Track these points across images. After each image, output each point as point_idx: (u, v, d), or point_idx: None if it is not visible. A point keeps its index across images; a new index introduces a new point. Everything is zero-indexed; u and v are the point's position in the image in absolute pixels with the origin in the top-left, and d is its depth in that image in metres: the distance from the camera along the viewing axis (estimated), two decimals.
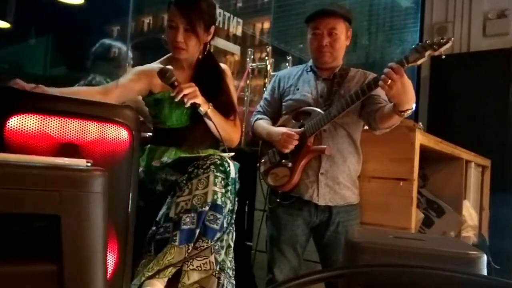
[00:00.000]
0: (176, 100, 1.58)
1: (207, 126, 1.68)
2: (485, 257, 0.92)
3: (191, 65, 1.76)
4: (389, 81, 1.49)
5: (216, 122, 1.62)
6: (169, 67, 1.59)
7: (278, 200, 1.87)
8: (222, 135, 1.62)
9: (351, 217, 1.83)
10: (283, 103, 1.96)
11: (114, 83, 1.68)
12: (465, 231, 2.61)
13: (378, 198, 1.91)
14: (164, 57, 1.80)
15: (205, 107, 1.61)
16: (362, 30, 5.20)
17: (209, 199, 1.40)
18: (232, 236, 1.53)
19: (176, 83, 1.57)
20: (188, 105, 1.57)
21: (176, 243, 1.36)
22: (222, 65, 1.84)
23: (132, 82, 1.67)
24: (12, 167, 0.79)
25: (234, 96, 1.83)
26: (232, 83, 1.84)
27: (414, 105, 1.59)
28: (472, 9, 3.87)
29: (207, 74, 1.75)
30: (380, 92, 1.69)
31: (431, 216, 2.47)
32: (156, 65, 1.74)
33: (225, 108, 1.73)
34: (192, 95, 1.57)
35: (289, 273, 1.86)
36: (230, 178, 1.47)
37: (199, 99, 1.59)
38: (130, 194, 1.21)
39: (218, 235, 1.42)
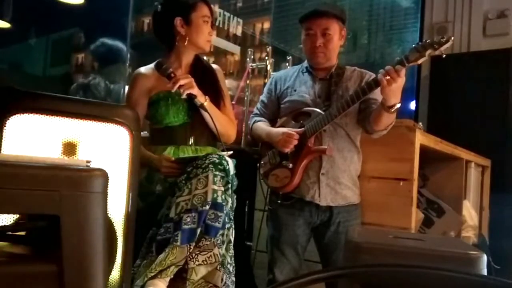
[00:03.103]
0: (173, 90, 1.63)
1: (205, 123, 1.73)
2: (485, 257, 0.92)
3: (188, 64, 1.81)
4: (389, 77, 1.52)
5: (212, 114, 1.66)
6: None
7: (279, 201, 1.87)
8: (219, 128, 1.66)
9: (351, 217, 1.83)
10: (281, 105, 1.96)
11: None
12: (465, 231, 2.61)
13: (378, 198, 1.91)
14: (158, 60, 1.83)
15: (201, 99, 1.65)
16: (362, 30, 5.20)
17: (209, 198, 1.41)
18: (232, 232, 1.53)
19: (172, 75, 1.63)
20: (184, 95, 1.62)
21: (178, 243, 1.36)
22: (214, 66, 1.91)
23: (144, 96, 1.76)
24: (12, 167, 0.79)
25: (226, 92, 1.88)
26: (223, 82, 1.91)
27: (399, 100, 1.61)
28: (472, 9, 3.87)
29: (201, 72, 1.80)
30: (378, 96, 1.70)
31: (431, 216, 2.47)
32: (150, 66, 1.80)
33: (216, 99, 1.78)
34: (188, 85, 1.62)
35: (290, 273, 1.86)
36: (229, 176, 1.48)
37: (195, 90, 1.64)
38: (130, 194, 1.21)
39: (221, 232, 1.43)
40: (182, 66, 1.79)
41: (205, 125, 1.74)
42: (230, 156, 1.53)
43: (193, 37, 1.75)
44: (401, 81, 1.55)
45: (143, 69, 1.81)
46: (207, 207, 1.40)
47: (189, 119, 1.74)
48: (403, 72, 1.54)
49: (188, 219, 1.39)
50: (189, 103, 1.72)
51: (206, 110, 1.64)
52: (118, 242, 1.16)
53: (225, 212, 1.43)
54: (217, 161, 1.46)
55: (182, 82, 1.61)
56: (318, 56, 1.84)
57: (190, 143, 1.74)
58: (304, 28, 1.86)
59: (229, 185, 1.48)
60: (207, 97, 1.68)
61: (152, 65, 1.78)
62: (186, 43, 1.76)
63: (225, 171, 1.46)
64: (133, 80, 1.81)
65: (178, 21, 1.74)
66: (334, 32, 1.83)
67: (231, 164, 1.50)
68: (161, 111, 1.73)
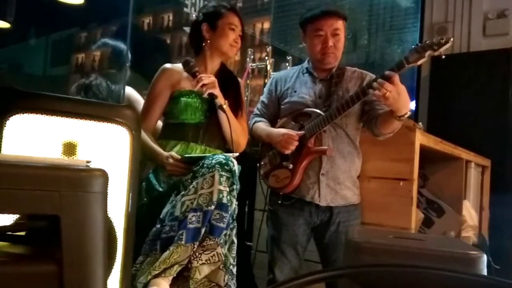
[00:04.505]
0: (195, 89, 1.69)
1: (219, 126, 1.76)
2: (485, 257, 0.92)
3: (213, 70, 1.87)
4: (386, 92, 1.51)
5: (230, 118, 1.70)
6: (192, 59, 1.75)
7: (279, 201, 1.87)
8: (233, 135, 1.68)
9: (351, 217, 1.83)
10: (282, 106, 1.96)
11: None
12: (465, 231, 2.61)
13: (378, 198, 1.92)
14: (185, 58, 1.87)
15: (221, 101, 1.69)
16: (362, 30, 5.19)
17: (215, 198, 1.42)
18: (235, 232, 1.54)
19: (197, 73, 1.69)
20: (205, 94, 1.67)
21: (182, 242, 1.37)
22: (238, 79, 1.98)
23: (167, 89, 1.80)
24: (12, 167, 0.79)
25: (244, 104, 1.95)
26: (244, 94, 1.98)
27: (410, 108, 1.62)
28: (472, 9, 3.86)
29: (227, 79, 1.86)
30: None
31: (431, 216, 2.47)
32: (177, 64, 1.86)
33: (236, 108, 1.82)
34: (211, 85, 1.68)
35: (290, 273, 1.86)
36: (235, 177, 1.49)
37: (217, 91, 1.69)
38: (130, 194, 1.21)
39: (224, 232, 1.44)
40: (207, 71, 1.83)
41: (219, 128, 1.77)
42: (235, 159, 1.54)
43: (217, 42, 1.82)
44: (395, 89, 1.52)
45: (169, 65, 1.87)
46: (212, 207, 1.41)
47: (205, 119, 1.77)
48: (396, 79, 1.53)
49: (193, 218, 1.40)
50: (208, 105, 1.75)
51: (224, 112, 1.68)
52: (118, 242, 1.16)
53: (229, 212, 1.45)
54: (223, 161, 1.47)
55: (205, 81, 1.66)
56: (329, 57, 1.84)
57: (201, 142, 1.76)
58: (313, 29, 1.84)
59: (234, 186, 1.49)
60: (226, 101, 1.72)
61: (179, 64, 1.84)
62: (211, 47, 1.83)
63: (231, 172, 1.47)
64: (159, 73, 1.85)
65: (204, 26, 1.82)
66: (342, 32, 1.83)
67: (236, 166, 1.51)
68: (179, 106, 1.76)
